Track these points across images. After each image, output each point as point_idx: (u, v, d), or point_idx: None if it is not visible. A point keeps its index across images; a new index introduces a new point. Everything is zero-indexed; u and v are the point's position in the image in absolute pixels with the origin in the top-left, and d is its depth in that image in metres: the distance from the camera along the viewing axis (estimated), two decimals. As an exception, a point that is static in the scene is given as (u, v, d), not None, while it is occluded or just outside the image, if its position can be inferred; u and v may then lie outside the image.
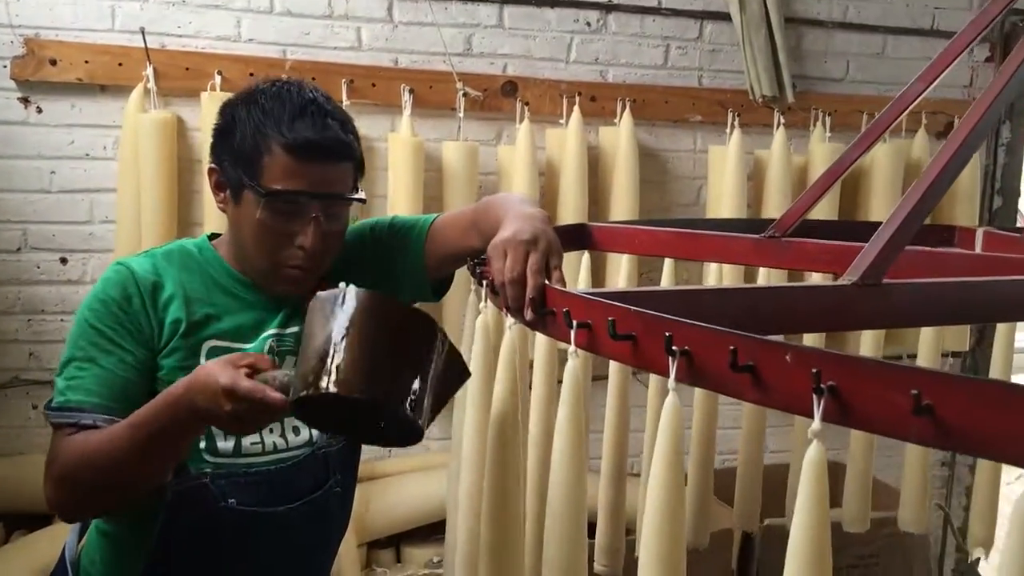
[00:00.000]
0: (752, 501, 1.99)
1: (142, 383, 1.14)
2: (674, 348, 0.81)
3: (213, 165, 1.20)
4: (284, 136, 1.12)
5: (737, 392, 0.77)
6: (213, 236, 1.27)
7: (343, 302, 0.96)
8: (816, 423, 0.70)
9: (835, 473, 1.90)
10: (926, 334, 1.84)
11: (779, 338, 0.76)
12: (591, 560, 1.72)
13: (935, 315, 1.14)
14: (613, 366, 1.63)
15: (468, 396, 1.20)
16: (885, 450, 2.14)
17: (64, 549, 1.26)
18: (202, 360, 1.15)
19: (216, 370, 0.99)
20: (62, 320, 2.23)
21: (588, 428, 1.05)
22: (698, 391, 1.71)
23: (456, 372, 1.03)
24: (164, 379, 1.13)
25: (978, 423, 0.62)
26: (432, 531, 2.35)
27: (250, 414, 0.98)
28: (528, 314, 0.95)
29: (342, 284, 0.97)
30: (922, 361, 1.85)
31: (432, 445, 2.53)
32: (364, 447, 1.35)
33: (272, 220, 1.14)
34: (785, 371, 0.73)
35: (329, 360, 0.92)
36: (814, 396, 0.69)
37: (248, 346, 1.19)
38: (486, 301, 1.19)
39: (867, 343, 1.91)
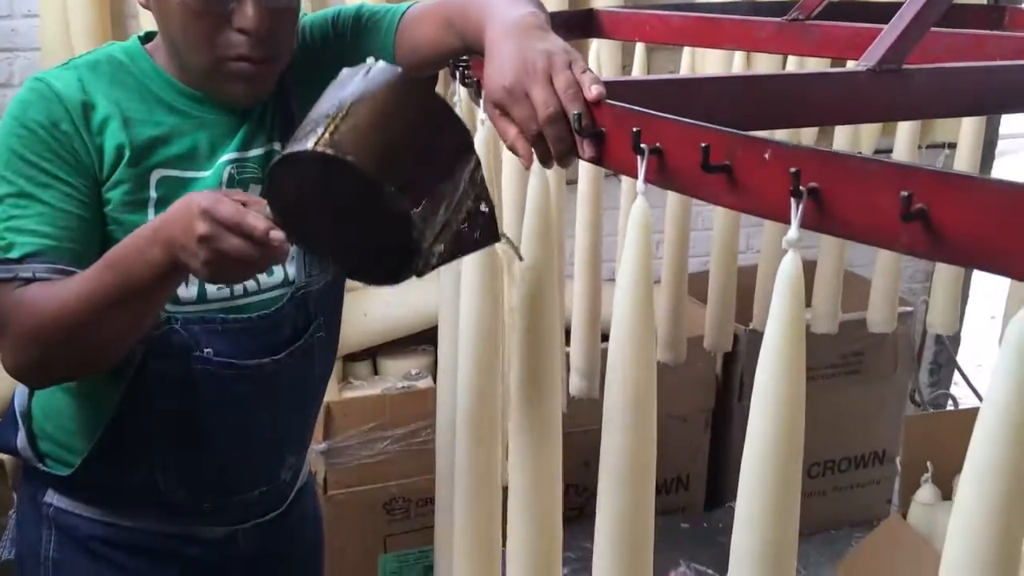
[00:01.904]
0: (726, 308, 1.92)
1: (94, 220, 0.97)
2: (643, 146, 0.72)
3: None
4: None
5: (710, 195, 0.69)
6: (148, 38, 1.07)
7: (367, 73, 0.78)
8: (793, 230, 0.61)
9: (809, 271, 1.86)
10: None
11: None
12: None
13: (964, 104, 1.04)
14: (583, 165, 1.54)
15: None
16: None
17: (13, 400, 1.15)
18: (151, 193, 1.00)
19: (197, 194, 0.84)
20: (-8, 129, 2.07)
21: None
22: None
23: (482, 225, 0.81)
24: (113, 216, 0.98)
25: (979, 231, 0.53)
26: (408, 343, 2.32)
27: (226, 245, 0.80)
28: (586, 151, 0.76)
29: (370, 59, 0.79)
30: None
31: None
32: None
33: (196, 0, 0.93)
34: (763, 171, 0.64)
35: (328, 122, 0.75)
36: (792, 200, 0.61)
37: (203, 174, 1.02)
38: (458, 95, 1.06)
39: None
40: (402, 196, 0.75)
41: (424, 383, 2.17)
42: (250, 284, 1.07)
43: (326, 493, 1.98)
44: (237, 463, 1.12)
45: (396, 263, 0.79)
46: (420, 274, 0.79)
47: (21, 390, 1.14)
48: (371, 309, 2.27)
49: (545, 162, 0.80)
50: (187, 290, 1.02)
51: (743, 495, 0.68)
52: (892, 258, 1.88)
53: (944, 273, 1.89)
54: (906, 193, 0.55)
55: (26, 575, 1.14)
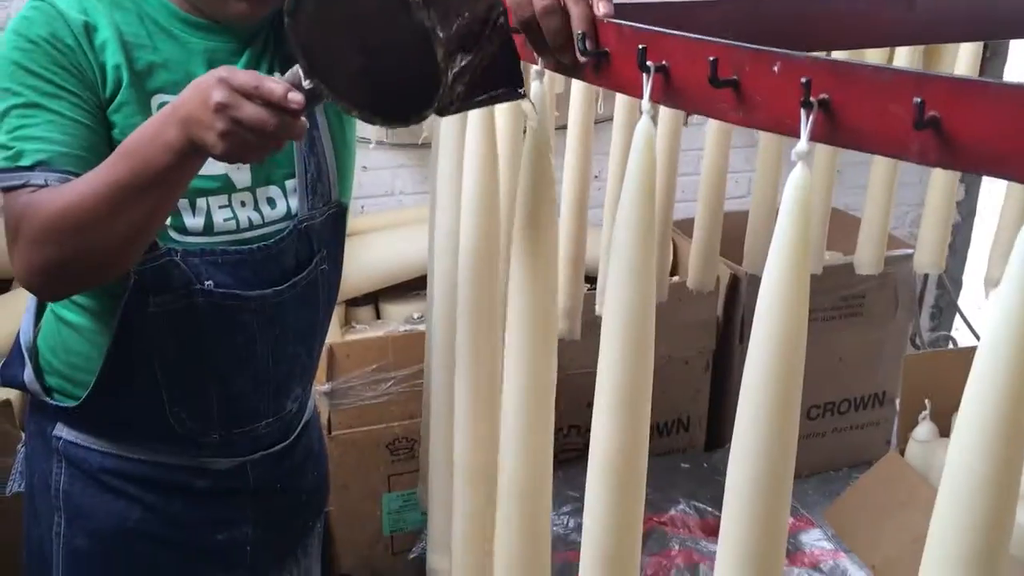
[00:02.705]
0: (711, 247, 1.90)
1: (102, 134, 0.96)
2: (648, 63, 0.71)
3: None
4: None
5: (718, 111, 0.68)
6: None
7: None
8: (802, 142, 0.61)
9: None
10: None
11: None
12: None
13: (969, 29, 1.04)
14: (574, 107, 1.52)
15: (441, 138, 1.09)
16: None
17: (18, 335, 1.16)
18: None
19: (215, 69, 0.82)
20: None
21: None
22: (660, 127, 1.61)
23: (505, 73, 0.79)
24: (119, 140, 0.94)
25: (992, 137, 0.53)
26: (410, 287, 2.32)
27: (244, 113, 0.78)
28: (579, 54, 0.75)
29: None
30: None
31: (406, 200, 2.47)
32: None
33: None
34: (772, 84, 0.63)
35: None
36: (802, 111, 0.61)
37: None
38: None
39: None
40: (425, 8, 0.72)
41: (426, 326, 2.18)
42: (254, 217, 1.07)
43: (330, 433, 1.99)
44: (243, 393, 1.13)
45: (417, 102, 0.77)
46: (441, 112, 0.78)
47: (26, 326, 1.14)
48: (370, 256, 2.27)
49: (542, 53, 0.78)
50: (194, 219, 1.03)
51: (741, 424, 0.67)
52: (881, 198, 1.86)
53: (933, 211, 1.88)
54: (919, 100, 0.54)
55: (37, 507, 1.16)
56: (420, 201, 2.40)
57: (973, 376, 0.55)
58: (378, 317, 2.33)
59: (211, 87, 0.79)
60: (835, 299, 2.32)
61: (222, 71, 0.80)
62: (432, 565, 1.08)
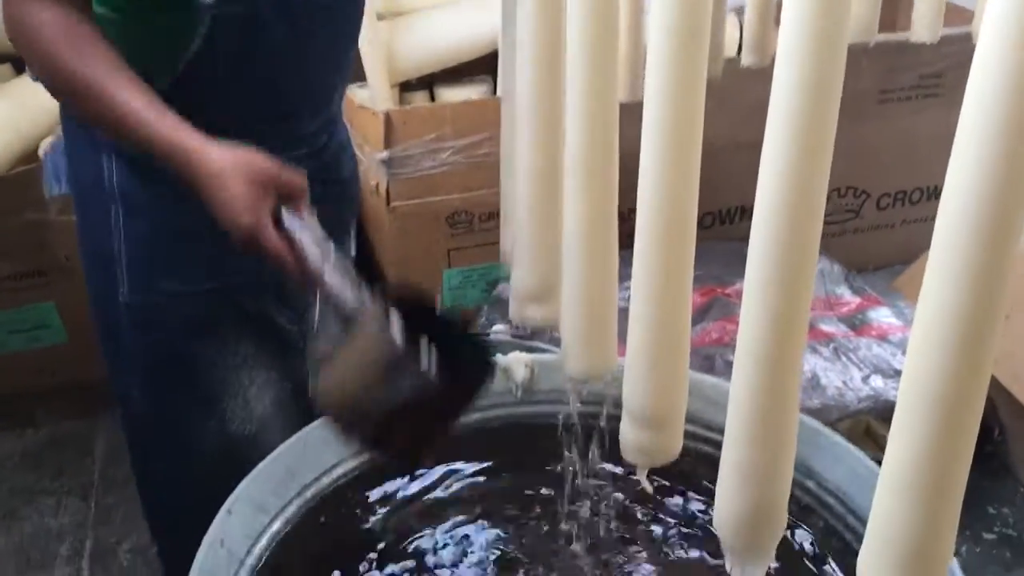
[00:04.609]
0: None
1: None
2: None
3: None
4: None
5: None
6: None
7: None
8: None
9: None
10: None
11: None
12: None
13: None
14: None
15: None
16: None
17: None
18: None
19: (240, 200, 0.90)
20: None
21: None
22: None
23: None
24: None
25: None
26: (466, 72, 2.24)
27: (258, 254, 0.92)
28: None
29: None
30: None
31: (462, -22, 2.38)
32: None
33: None
34: None
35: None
36: None
37: None
38: None
39: None
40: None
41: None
42: None
43: (389, 204, 1.97)
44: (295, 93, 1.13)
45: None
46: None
47: None
48: (425, 36, 2.21)
49: None
50: None
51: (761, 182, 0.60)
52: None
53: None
54: None
55: (88, 205, 1.15)
56: (476, -21, 2.32)
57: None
58: (432, 101, 2.28)
59: (239, 231, 0.91)
60: (912, 78, 2.21)
61: (252, 227, 0.91)
62: (504, 246, 1.06)
